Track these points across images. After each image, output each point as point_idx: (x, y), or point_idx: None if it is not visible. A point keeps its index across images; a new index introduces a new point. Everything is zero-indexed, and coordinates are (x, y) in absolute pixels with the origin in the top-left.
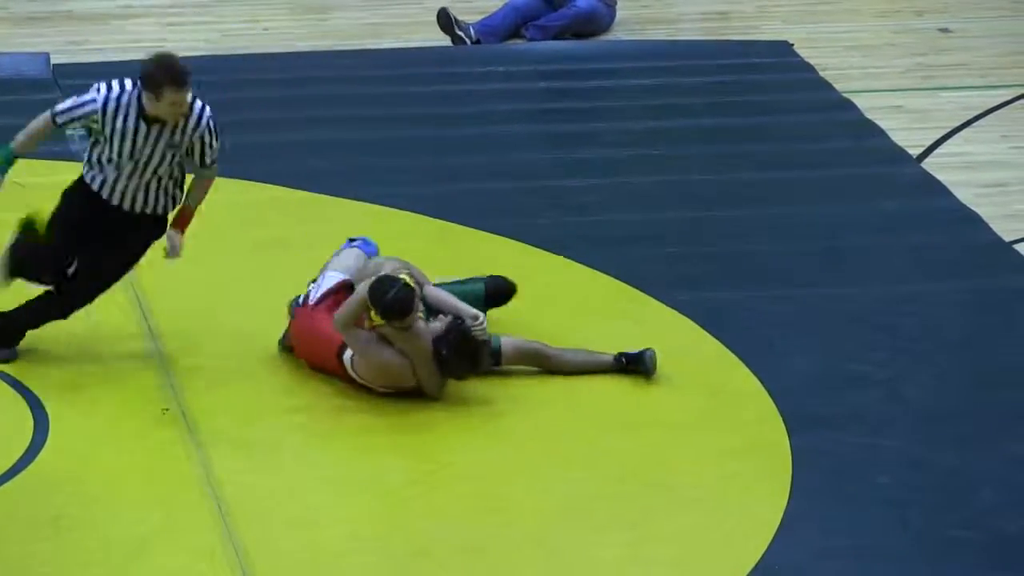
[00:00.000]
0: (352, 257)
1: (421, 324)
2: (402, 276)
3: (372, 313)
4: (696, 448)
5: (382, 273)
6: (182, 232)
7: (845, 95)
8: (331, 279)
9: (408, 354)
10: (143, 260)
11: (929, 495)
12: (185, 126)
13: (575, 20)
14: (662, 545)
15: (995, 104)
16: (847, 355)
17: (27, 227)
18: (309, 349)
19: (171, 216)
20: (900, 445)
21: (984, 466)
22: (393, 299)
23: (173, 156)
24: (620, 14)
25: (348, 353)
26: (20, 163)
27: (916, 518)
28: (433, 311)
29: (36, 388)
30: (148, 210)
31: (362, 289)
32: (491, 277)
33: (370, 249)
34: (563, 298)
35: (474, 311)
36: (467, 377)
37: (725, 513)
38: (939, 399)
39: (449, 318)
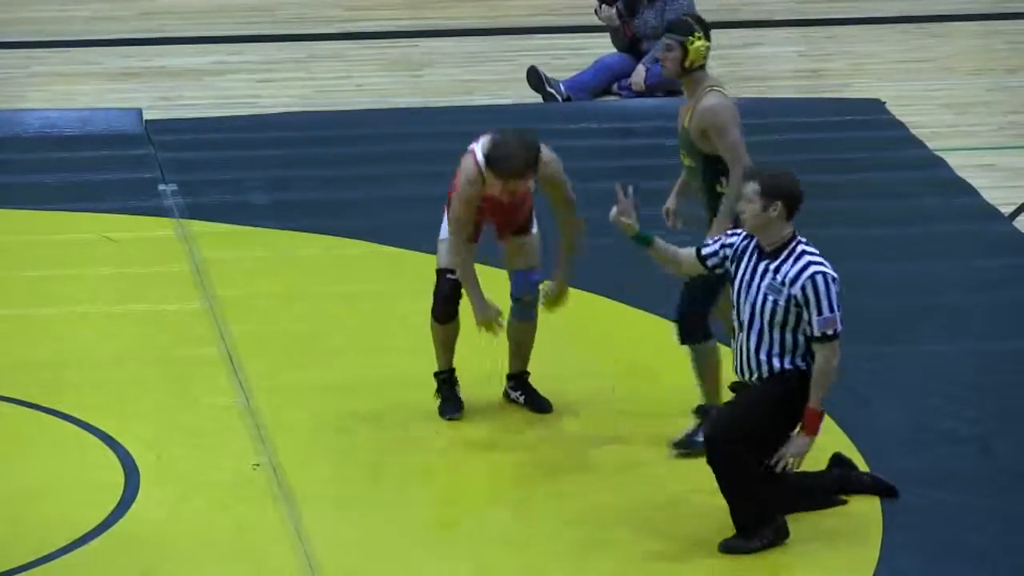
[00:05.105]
0: None
1: None
2: None
3: None
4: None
5: None
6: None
7: (937, 153)
8: None
9: None
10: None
11: (1021, 554)
12: None
13: (666, 77)
14: None
15: None
16: (938, 412)
17: None
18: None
19: None
20: (991, 503)
21: None
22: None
23: None
24: (712, 72)
25: None
26: (113, 218)
27: None
28: None
29: (127, 443)
30: None
31: None
32: None
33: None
34: (656, 355)
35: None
36: None
37: (814, 570)
38: None
39: None
